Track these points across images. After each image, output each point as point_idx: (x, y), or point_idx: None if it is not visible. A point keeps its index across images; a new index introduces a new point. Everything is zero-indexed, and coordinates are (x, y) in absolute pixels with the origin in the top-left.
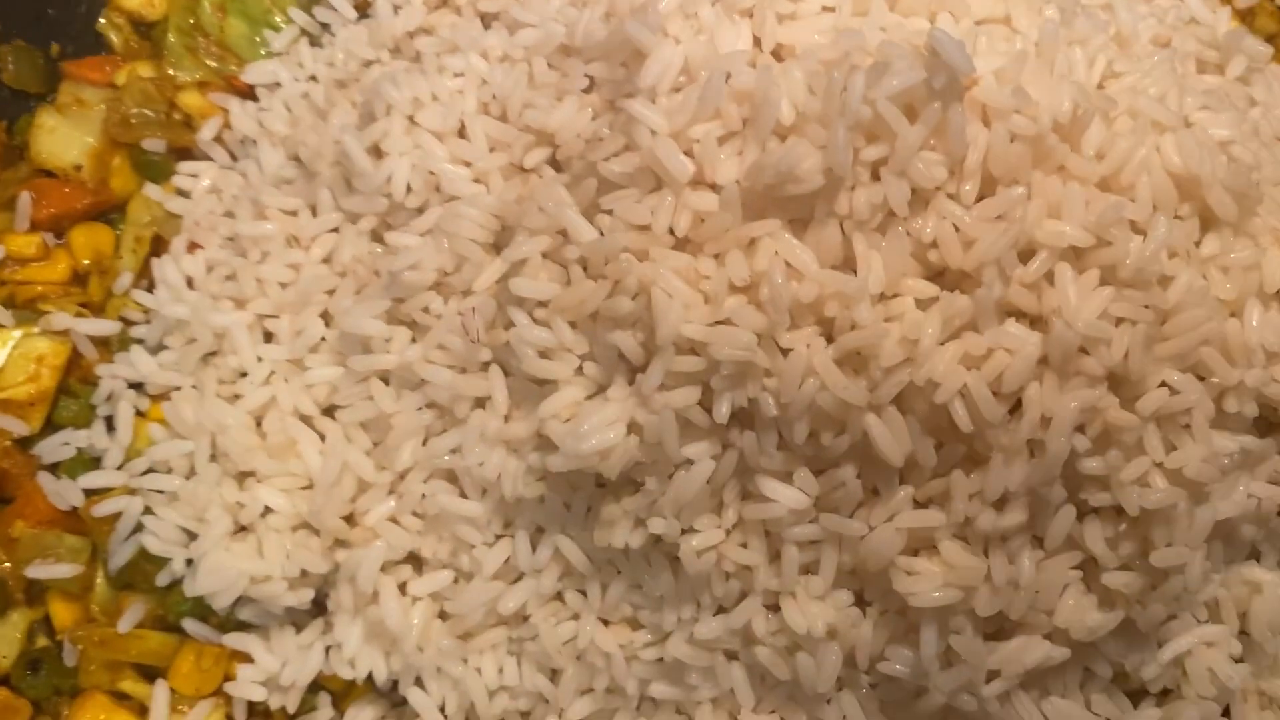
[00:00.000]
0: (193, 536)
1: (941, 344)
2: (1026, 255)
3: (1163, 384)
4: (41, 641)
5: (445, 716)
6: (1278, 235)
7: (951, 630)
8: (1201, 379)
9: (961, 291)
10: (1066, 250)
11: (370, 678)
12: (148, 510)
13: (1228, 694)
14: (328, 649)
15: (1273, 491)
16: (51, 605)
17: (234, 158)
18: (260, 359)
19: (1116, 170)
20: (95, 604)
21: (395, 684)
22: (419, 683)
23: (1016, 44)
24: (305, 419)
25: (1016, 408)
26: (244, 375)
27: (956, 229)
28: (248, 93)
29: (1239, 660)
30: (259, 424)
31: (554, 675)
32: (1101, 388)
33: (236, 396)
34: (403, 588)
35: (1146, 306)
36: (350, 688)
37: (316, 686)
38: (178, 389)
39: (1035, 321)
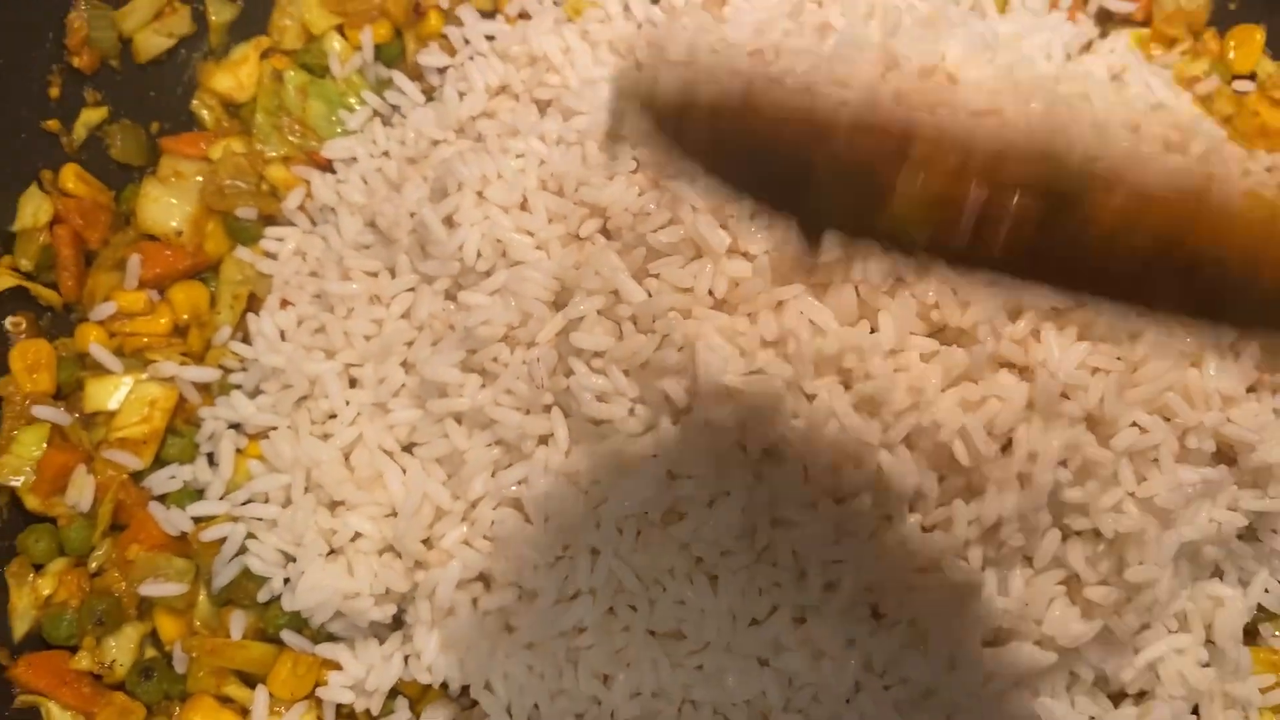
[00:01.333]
0: (290, 558)
1: (943, 391)
2: (1015, 315)
3: (1134, 424)
4: (149, 652)
5: (511, 717)
6: None
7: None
8: (1167, 420)
9: (959, 346)
10: (1049, 310)
11: (444, 684)
12: (250, 535)
13: (1197, 695)
14: (406, 658)
15: (1231, 517)
16: (158, 620)
17: (313, 223)
18: (348, 402)
19: None
20: (198, 619)
21: (465, 689)
22: (488, 687)
23: None
24: (388, 455)
25: (1008, 446)
26: (333, 417)
27: (955, 293)
28: (327, 166)
29: (1206, 665)
30: (347, 459)
31: (606, 680)
32: (1081, 428)
33: (326, 435)
34: (474, 603)
35: (1119, 358)
36: (424, 692)
37: (395, 692)
38: (274, 429)
39: (1023, 371)
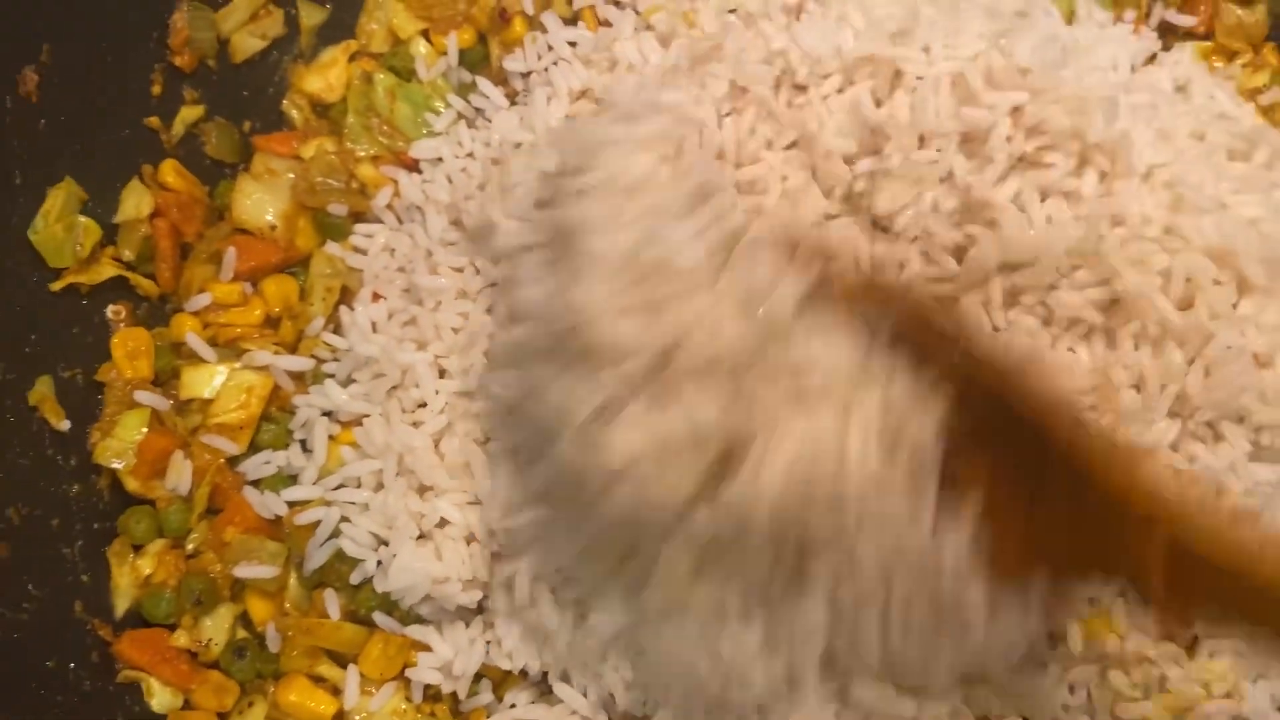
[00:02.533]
0: (382, 541)
1: None
2: None
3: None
4: (240, 633)
5: (587, 703)
6: None
7: None
8: (1241, 420)
9: None
10: None
11: (524, 669)
12: (344, 519)
13: None
14: (488, 644)
15: None
16: (249, 602)
17: (400, 221)
18: (437, 392)
19: None
20: (288, 601)
21: (544, 675)
22: (565, 676)
23: None
24: (476, 444)
25: None
26: (422, 405)
27: None
28: (413, 166)
29: None
30: (436, 446)
31: None
32: None
33: (417, 424)
34: (553, 593)
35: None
36: (506, 677)
37: (478, 675)
38: (367, 416)
39: None
